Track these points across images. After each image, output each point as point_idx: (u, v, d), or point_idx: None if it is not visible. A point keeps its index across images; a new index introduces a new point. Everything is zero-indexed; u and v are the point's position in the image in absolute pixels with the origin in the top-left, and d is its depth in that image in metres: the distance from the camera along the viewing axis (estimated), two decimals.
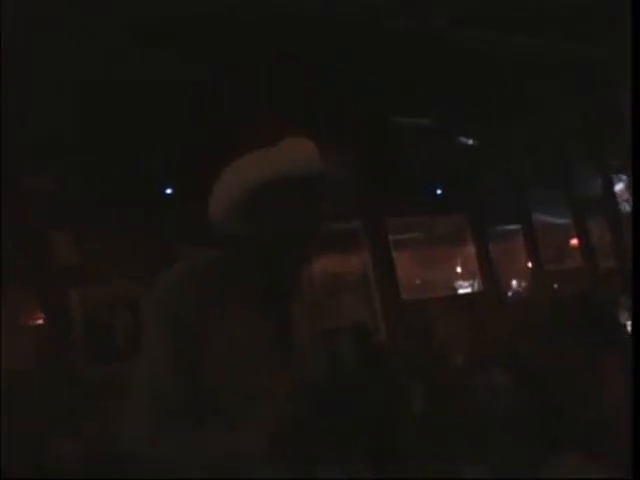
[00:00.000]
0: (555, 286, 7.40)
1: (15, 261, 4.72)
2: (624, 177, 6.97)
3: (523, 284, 7.72)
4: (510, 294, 7.61)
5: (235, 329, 1.68)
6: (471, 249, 7.31)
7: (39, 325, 4.97)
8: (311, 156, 1.90)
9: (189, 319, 1.63)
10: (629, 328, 3.62)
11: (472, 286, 7.26)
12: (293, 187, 1.82)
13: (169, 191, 5.53)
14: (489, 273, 7.32)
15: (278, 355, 1.74)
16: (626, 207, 6.80)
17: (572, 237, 8.04)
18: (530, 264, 7.77)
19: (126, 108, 4.49)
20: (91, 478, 3.87)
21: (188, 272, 1.71)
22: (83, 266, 4.98)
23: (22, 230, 4.86)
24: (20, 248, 4.79)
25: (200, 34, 4.17)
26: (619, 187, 7.12)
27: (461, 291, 7.19)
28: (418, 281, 6.86)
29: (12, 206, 4.76)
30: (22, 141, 4.58)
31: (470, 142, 6.89)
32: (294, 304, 1.89)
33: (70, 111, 4.49)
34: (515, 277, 7.70)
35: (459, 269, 7.29)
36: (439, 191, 7.02)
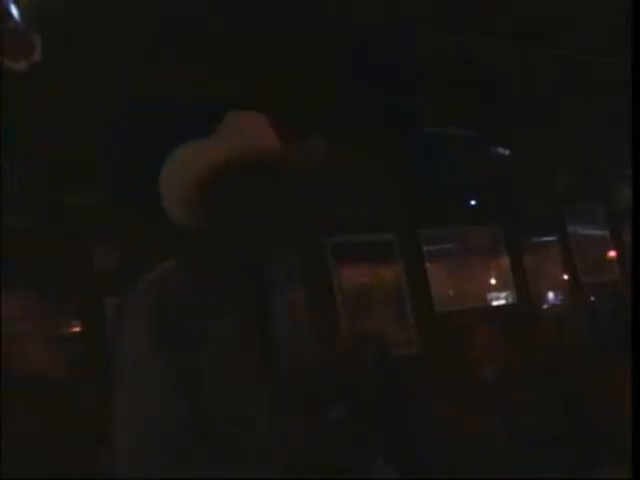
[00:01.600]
0: (592, 299, 7.29)
1: (54, 269, 4.80)
2: None
3: (558, 297, 7.62)
4: (545, 307, 7.51)
5: (222, 335, 1.58)
6: (505, 261, 7.24)
7: (75, 333, 5.03)
8: (263, 132, 1.70)
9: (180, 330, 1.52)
10: None
11: (506, 298, 7.18)
12: (246, 172, 1.62)
13: None
14: (523, 285, 7.24)
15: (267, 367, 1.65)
16: None
17: (609, 249, 7.92)
18: (565, 276, 7.67)
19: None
20: None
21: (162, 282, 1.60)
22: (119, 274, 5.04)
23: (59, 240, 4.92)
24: (57, 257, 4.86)
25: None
26: None
27: (495, 303, 7.12)
28: (451, 292, 6.81)
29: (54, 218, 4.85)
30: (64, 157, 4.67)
31: (504, 152, 6.84)
32: (277, 306, 1.77)
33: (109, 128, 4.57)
34: (550, 289, 7.61)
35: (493, 281, 7.22)
36: (473, 202, 6.98)
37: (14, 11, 3.65)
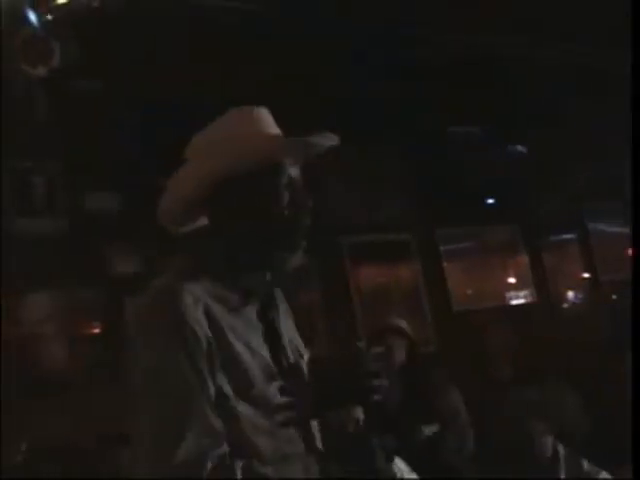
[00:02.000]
0: (612, 297, 7.24)
1: (74, 271, 4.85)
2: None
3: (579, 295, 7.57)
4: (565, 305, 7.47)
5: (235, 337, 1.58)
6: (524, 259, 7.21)
7: (94, 334, 5.08)
8: (262, 126, 1.67)
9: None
10: None
11: (525, 297, 7.15)
12: (251, 172, 1.61)
13: None
14: (543, 284, 7.20)
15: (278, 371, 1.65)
16: None
17: (629, 247, 7.85)
18: (586, 275, 7.62)
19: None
20: None
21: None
22: (137, 277, 5.08)
23: (79, 242, 4.97)
24: (77, 259, 4.90)
25: None
26: None
27: (514, 302, 7.09)
28: (470, 292, 6.79)
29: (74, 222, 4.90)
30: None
31: (523, 150, 6.81)
32: (281, 312, 1.77)
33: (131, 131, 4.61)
34: (570, 288, 7.56)
35: (512, 280, 7.19)
36: (490, 200, 6.96)
37: (32, 18, 3.70)
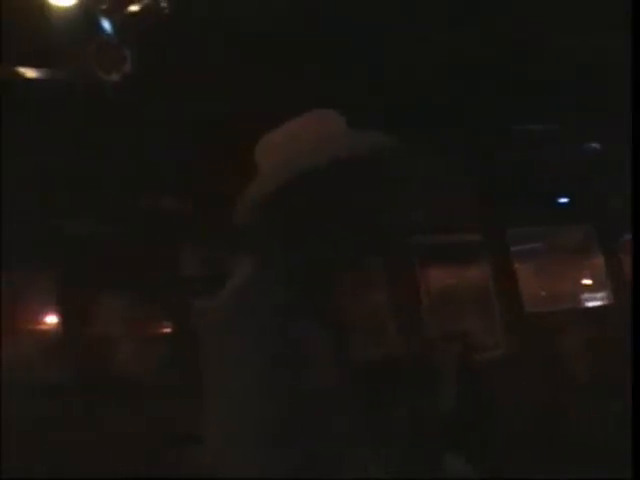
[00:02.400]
0: None
1: (144, 273, 4.95)
2: None
3: None
4: None
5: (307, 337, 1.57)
6: (599, 260, 7.00)
7: (165, 335, 5.18)
8: (340, 130, 1.68)
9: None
10: None
11: (601, 299, 6.95)
12: (324, 176, 1.60)
13: None
14: (619, 285, 6.98)
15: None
16: None
17: None
18: None
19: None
20: None
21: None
22: (204, 277, 5.15)
23: (149, 245, 5.07)
24: (147, 261, 5.00)
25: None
26: None
27: (589, 304, 6.90)
28: (543, 293, 6.65)
29: (139, 222, 5.00)
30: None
31: (596, 148, 6.63)
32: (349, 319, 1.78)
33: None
34: None
35: (587, 281, 7.00)
36: (563, 200, 6.79)
37: (106, 25, 3.80)
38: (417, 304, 5.85)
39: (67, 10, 3.55)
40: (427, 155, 5.47)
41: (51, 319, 4.98)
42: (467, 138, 5.86)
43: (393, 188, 1.76)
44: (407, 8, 4.15)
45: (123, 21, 3.82)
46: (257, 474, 1.46)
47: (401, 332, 5.57)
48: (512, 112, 5.61)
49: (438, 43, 4.51)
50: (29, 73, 4.04)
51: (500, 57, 4.75)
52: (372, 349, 4.98)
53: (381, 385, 1.65)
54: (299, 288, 1.63)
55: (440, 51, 4.59)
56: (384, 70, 4.75)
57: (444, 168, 6.07)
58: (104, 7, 3.72)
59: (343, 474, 1.54)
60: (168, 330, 5.20)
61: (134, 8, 3.77)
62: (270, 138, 1.72)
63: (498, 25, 4.44)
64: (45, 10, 3.48)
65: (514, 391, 4.65)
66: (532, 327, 6.19)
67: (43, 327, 4.99)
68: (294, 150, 1.63)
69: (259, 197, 1.65)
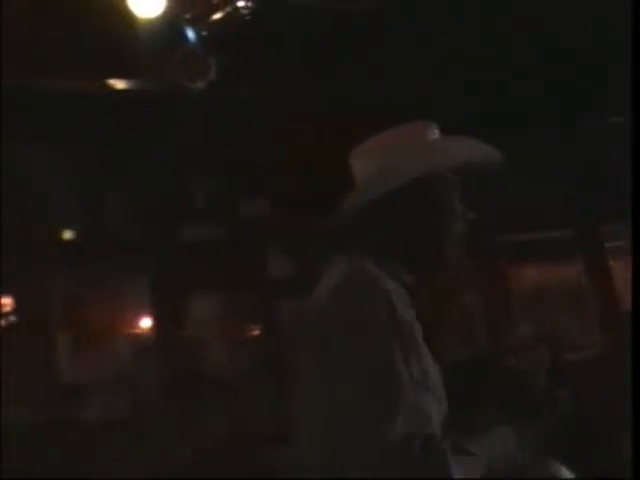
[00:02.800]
0: None
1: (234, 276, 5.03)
2: None
3: None
4: None
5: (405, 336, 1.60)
6: None
7: (255, 336, 5.25)
8: (435, 138, 1.75)
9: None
10: None
11: None
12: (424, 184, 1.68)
13: None
14: None
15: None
16: None
17: None
18: None
19: None
20: None
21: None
22: (295, 279, 5.19)
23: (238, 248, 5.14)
24: (238, 264, 5.07)
25: None
26: None
27: None
28: None
29: (229, 225, 5.09)
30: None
31: None
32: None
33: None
34: None
35: None
36: None
37: (190, 35, 3.88)
38: (507, 303, 5.73)
39: (152, 21, 3.65)
40: (519, 155, 5.35)
41: (145, 322, 5.13)
42: (560, 136, 5.71)
43: (482, 185, 1.78)
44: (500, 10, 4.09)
45: (207, 29, 3.90)
46: (392, 456, 1.46)
47: (491, 332, 5.48)
48: (606, 108, 5.44)
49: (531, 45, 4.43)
50: (118, 85, 4.18)
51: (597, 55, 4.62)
52: (462, 349, 4.92)
53: (470, 385, 1.63)
54: (396, 287, 1.64)
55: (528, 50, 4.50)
56: (477, 73, 4.68)
57: (533, 164, 5.93)
58: (188, 17, 3.81)
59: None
60: (257, 332, 5.27)
61: (217, 16, 3.85)
62: (368, 146, 1.76)
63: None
64: (131, 22, 3.58)
65: (610, 391, 4.48)
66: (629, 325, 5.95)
67: (137, 330, 5.14)
68: (393, 158, 1.69)
69: (359, 202, 1.70)
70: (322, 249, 1.80)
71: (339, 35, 4.16)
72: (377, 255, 1.70)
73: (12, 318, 2.47)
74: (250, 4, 3.75)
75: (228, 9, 3.81)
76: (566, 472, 1.64)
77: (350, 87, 4.59)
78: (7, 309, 2.48)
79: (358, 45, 4.25)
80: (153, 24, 3.66)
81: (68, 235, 5.02)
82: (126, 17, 3.55)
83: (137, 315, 5.14)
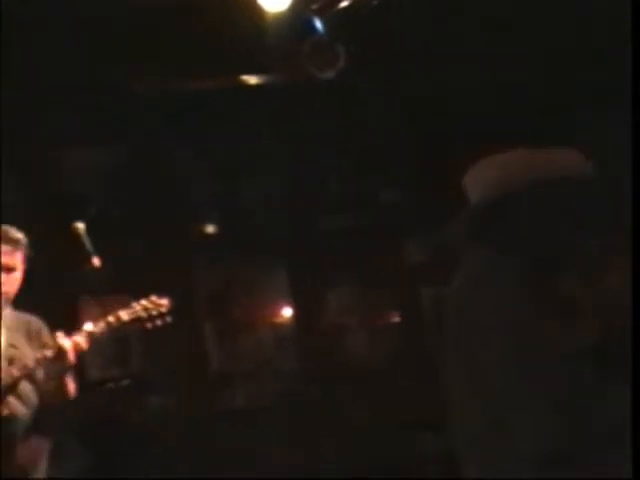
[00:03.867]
0: None
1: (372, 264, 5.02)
2: None
3: None
4: None
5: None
6: None
7: (395, 323, 5.22)
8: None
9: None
10: None
11: None
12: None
13: None
14: None
15: None
16: None
17: None
18: None
19: None
20: None
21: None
22: (433, 266, 5.12)
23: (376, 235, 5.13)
24: (374, 252, 5.06)
25: None
26: None
27: None
28: None
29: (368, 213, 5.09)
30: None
31: None
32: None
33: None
34: None
35: None
36: None
37: (318, 25, 3.89)
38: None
39: (280, 15, 3.69)
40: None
41: (286, 311, 5.23)
42: None
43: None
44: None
45: (334, 18, 3.89)
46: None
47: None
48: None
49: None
50: (251, 80, 4.25)
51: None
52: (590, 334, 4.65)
53: (597, 370, 1.55)
54: (533, 275, 1.59)
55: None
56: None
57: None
58: (315, 7, 3.81)
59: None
60: (398, 318, 5.24)
61: (344, 4, 3.83)
62: (484, 164, 1.69)
63: None
64: (258, 17, 3.64)
65: None
66: None
67: (279, 319, 5.25)
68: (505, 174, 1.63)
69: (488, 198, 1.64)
70: (459, 236, 1.77)
71: (466, 17, 4.03)
72: (513, 242, 1.66)
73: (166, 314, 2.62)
74: None
75: None
76: None
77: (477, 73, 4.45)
78: (164, 309, 2.60)
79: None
80: (281, 17, 3.70)
81: (210, 230, 5.20)
82: (255, 12, 3.60)
83: (278, 305, 5.25)
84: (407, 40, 4.13)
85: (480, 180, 1.69)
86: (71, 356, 2.45)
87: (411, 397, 4.49)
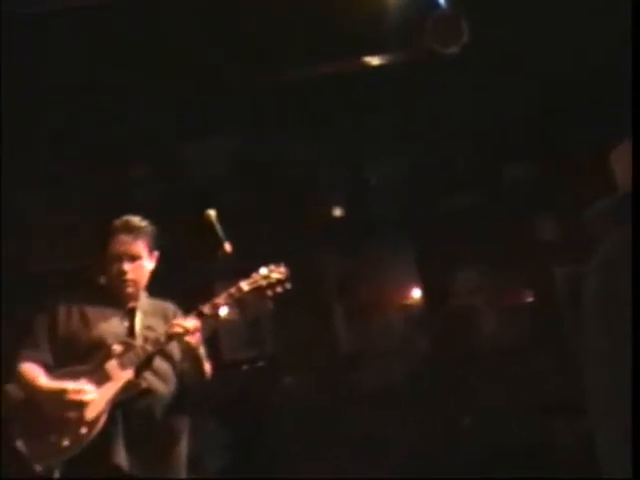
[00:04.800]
0: None
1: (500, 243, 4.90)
2: None
3: None
4: None
5: None
6: None
7: (527, 303, 5.08)
8: None
9: None
10: None
11: None
12: None
13: None
14: None
15: None
16: None
17: None
18: None
19: None
20: None
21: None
22: (565, 245, 4.94)
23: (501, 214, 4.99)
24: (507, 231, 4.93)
25: None
26: None
27: None
28: None
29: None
30: None
31: None
32: None
33: None
34: None
35: None
36: None
37: (441, 0, 3.81)
38: None
39: None
40: None
41: (415, 292, 5.20)
42: None
43: None
44: None
45: None
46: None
47: None
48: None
49: None
50: (373, 61, 4.23)
51: None
52: None
53: None
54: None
55: None
56: None
57: None
58: None
59: None
60: (530, 298, 5.10)
61: None
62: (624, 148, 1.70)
63: None
64: None
65: None
66: None
67: (408, 301, 5.22)
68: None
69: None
70: (602, 218, 1.71)
71: None
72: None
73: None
74: None
75: None
76: None
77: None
78: (282, 276, 2.63)
79: None
80: None
81: (337, 213, 5.24)
82: None
83: (407, 286, 5.23)
84: (531, 12, 3.97)
85: (626, 165, 1.65)
86: (200, 330, 2.53)
87: (544, 380, 4.37)
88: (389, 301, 5.16)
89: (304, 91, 4.46)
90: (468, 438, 4.42)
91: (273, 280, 2.63)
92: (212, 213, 2.69)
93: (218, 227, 2.66)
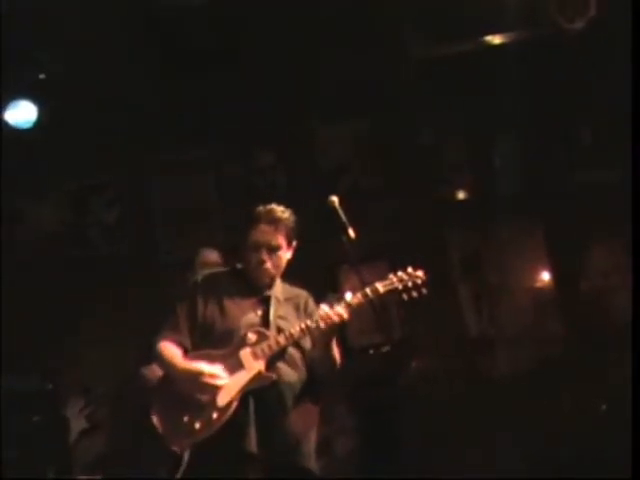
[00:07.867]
0: None
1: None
2: None
3: None
4: None
5: None
6: None
7: None
8: None
9: None
10: None
11: None
12: None
13: None
14: None
15: None
16: None
17: None
18: None
19: None
20: None
21: None
22: None
23: None
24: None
25: None
26: None
27: None
28: None
29: None
30: None
31: None
32: None
33: None
34: None
35: None
36: None
37: None
38: None
39: None
40: None
41: (545, 274, 5.06)
42: None
43: None
44: None
45: None
46: None
47: None
48: None
49: None
50: (495, 40, 4.14)
51: None
52: None
53: None
54: None
55: None
56: None
57: None
58: None
59: None
60: None
61: None
62: None
63: None
64: None
65: None
66: None
67: (538, 284, 5.09)
68: None
69: None
70: None
71: None
72: None
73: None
74: None
75: None
76: None
77: None
78: (419, 281, 2.62)
79: None
80: None
81: (463, 195, 5.18)
82: None
83: (537, 267, 5.10)
84: None
85: None
86: (333, 326, 2.56)
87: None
88: (519, 283, 5.05)
89: (431, 72, 4.44)
90: (608, 422, 4.27)
91: (409, 284, 2.59)
92: (334, 199, 2.69)
93: (340, 213, 2.68)
